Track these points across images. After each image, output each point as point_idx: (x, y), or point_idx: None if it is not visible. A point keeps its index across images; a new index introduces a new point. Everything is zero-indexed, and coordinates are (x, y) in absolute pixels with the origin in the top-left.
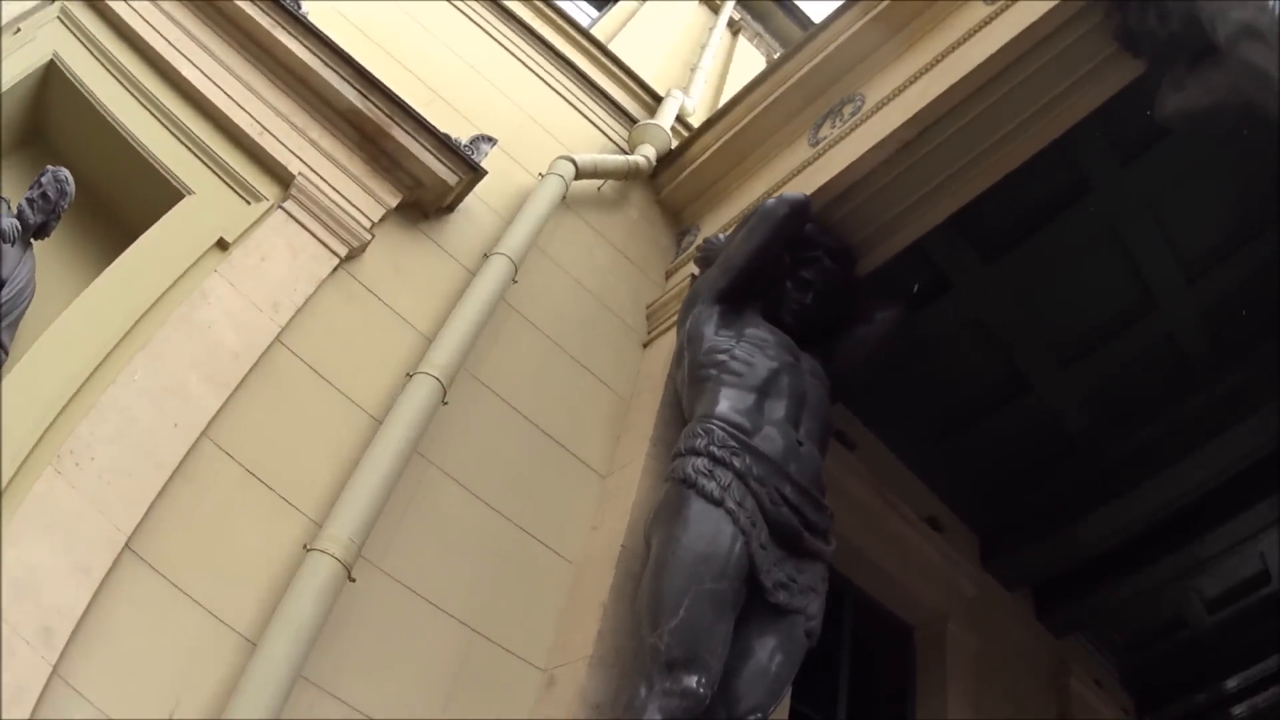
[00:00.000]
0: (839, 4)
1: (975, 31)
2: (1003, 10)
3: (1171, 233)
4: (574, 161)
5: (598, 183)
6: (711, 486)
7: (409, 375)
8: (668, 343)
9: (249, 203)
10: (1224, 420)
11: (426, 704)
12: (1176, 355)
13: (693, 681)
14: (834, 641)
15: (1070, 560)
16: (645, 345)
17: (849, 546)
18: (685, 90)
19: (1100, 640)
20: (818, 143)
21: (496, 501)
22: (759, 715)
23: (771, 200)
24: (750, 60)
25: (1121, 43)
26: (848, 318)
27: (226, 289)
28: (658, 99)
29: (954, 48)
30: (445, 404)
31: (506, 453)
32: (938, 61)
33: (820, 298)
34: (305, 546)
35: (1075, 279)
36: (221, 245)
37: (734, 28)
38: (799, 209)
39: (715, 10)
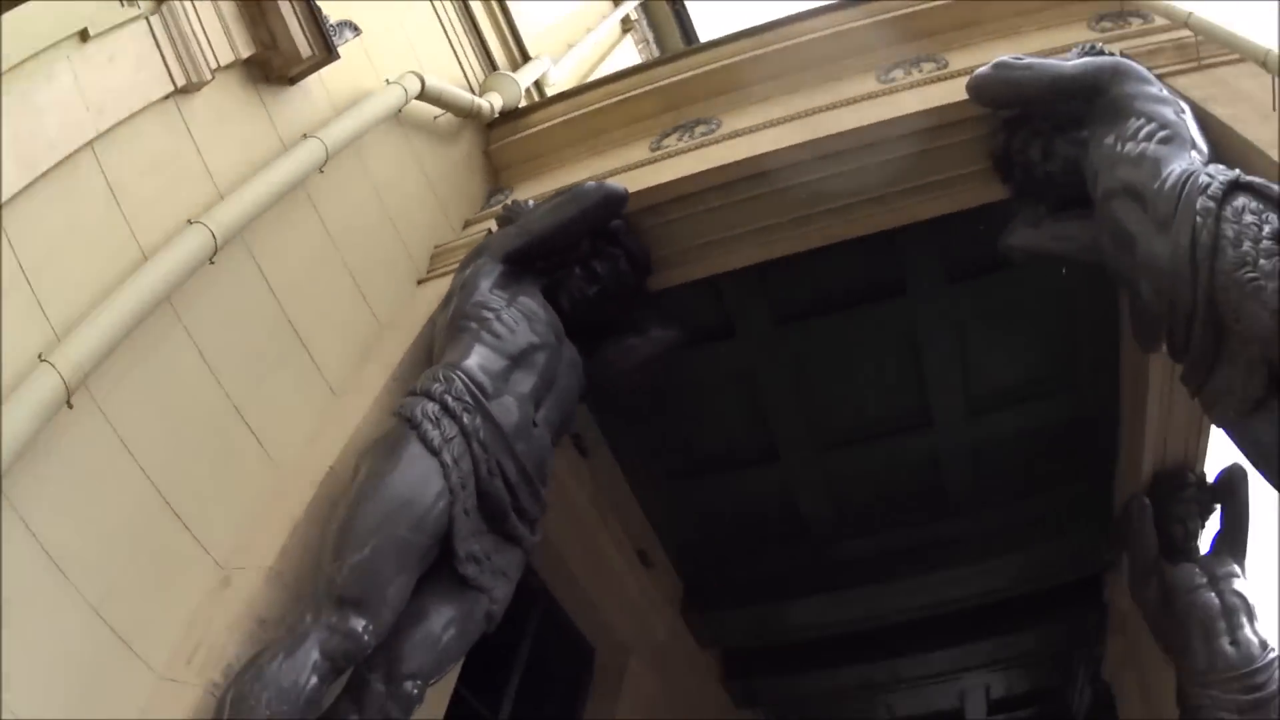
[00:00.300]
0: (731, 32)
1: (855, 101)
2: (891, 92)
3: (970, 362)
4: (422, 81)
5: (437, 112)
6: (434, 434)
7: (189, 222)
8: (443, 287)
9: (123, 4)
10: (962, 556)
11: (103, 560)
12: (936, 479)
13: (359, 625)
14: (515, 637)
15: (770, 637)
16: (420, 283)
17: (554, 550)
18: (555, 61)
19: None
20: (658, 149)
21: (228, 382)
22: (418, 683)
23: (591, 183)
24: (628, 59)
25: (995, 164)
26: (622, 325)
27: (69, 79)
28: (526, 59)
29: (827, 109)
30: (212, 263)
31: (253, 337)
32: (805, 116)
33: (604, 295)
34: (40, 356)
35: (861, 372)
36: (83, 36)
37: (626, 25)
38: (614, 200)
39: (616, 3)
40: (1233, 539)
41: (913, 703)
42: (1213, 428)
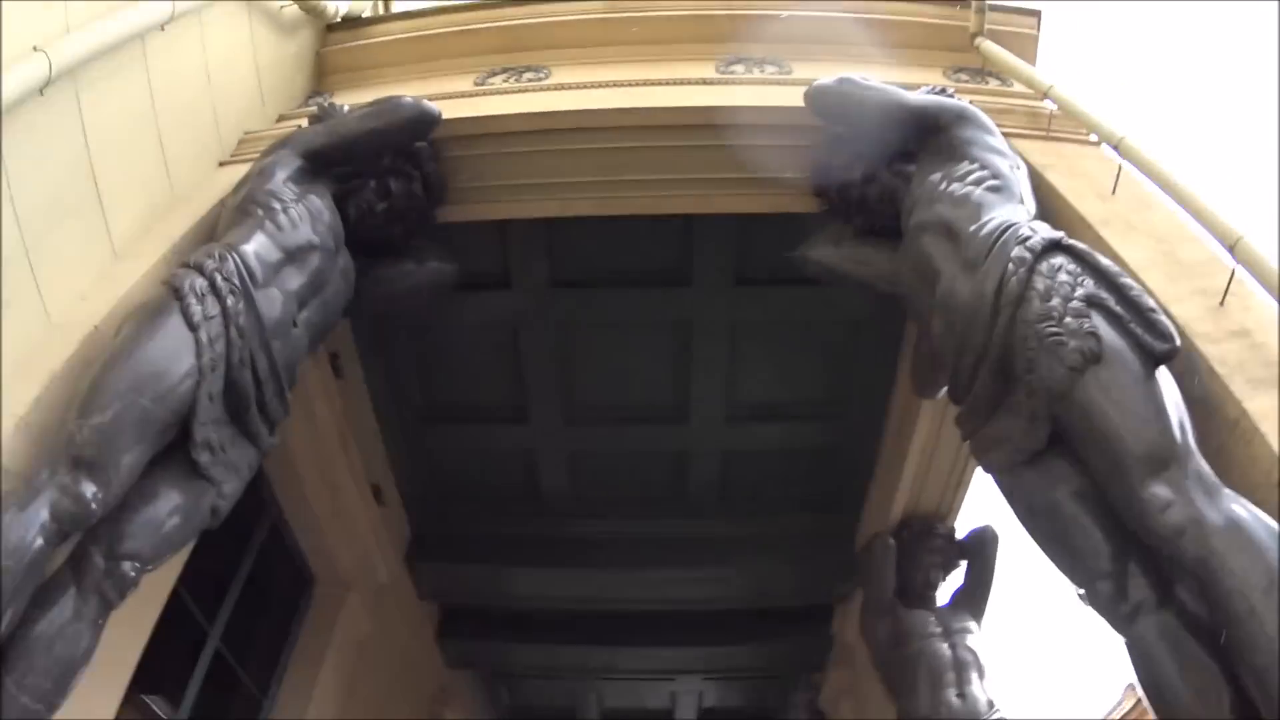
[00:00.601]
0: None
1: (688, 83)
2: (728, 83)
3: (739, 369)
4: None
5: (285, 2)
6: (195, 310)
7: (35, 49)
8: (242, 172)
9: None
10: (694, 558)
11: None
12: (682, 477)
13: (89, 490)
14: (240, 549)
15: (491, 600)
16: (222, 165)
17: (291, 468)
18: None
19: (489, 690)
20: (483, 84)
21: (24, 220)
22: (136, 565)
23: (408, 99)
24: None
25: (813, 176)
26: (402, 249)
27: None
28: None
29: (658, 84)
30: (41, 95)
31: (56, 181)
32: (634, 85)
33: (391, 213)
34: None
35: (629, 353)
36: None
37: None
38: (425, 119)
39: None
40: (973, 597)
41: (624, 696)
42: (971, 485)
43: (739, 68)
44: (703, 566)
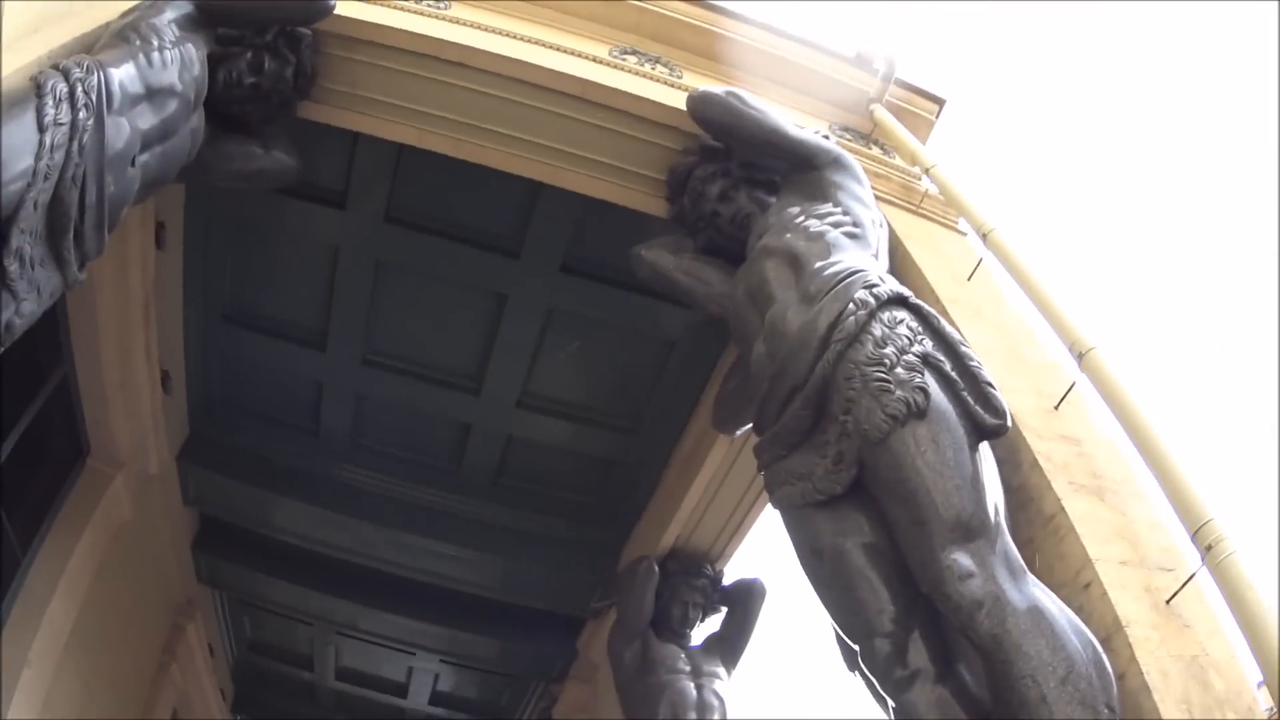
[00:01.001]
0: None
1: (579, 55)
2: (616, 68)
3: (542, 357)
4: None
5: None
6: (50, 112)
7: None
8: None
9: None
10: (457, 536)
11: None
12: (461, 450)
13: None
14: (26, 391)
15: (249, 522)
16: None
17: (91, 323)
18: None
19: (234, 617)
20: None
21: None
22: None
23: None
24: None
25: (669, 180)
26: (254, 131)
27: None
28: None
29: (551, 47)
30: None
31: None
32: (529, 41)
33: (256, 90)
34: None
35: (438, 308)
36: None
37: None
38: (318, 7)
39: None
40: (728, 646)
41: (362, 658)
42: (749, 534)
43: (631, 59)
44: (464, 546)
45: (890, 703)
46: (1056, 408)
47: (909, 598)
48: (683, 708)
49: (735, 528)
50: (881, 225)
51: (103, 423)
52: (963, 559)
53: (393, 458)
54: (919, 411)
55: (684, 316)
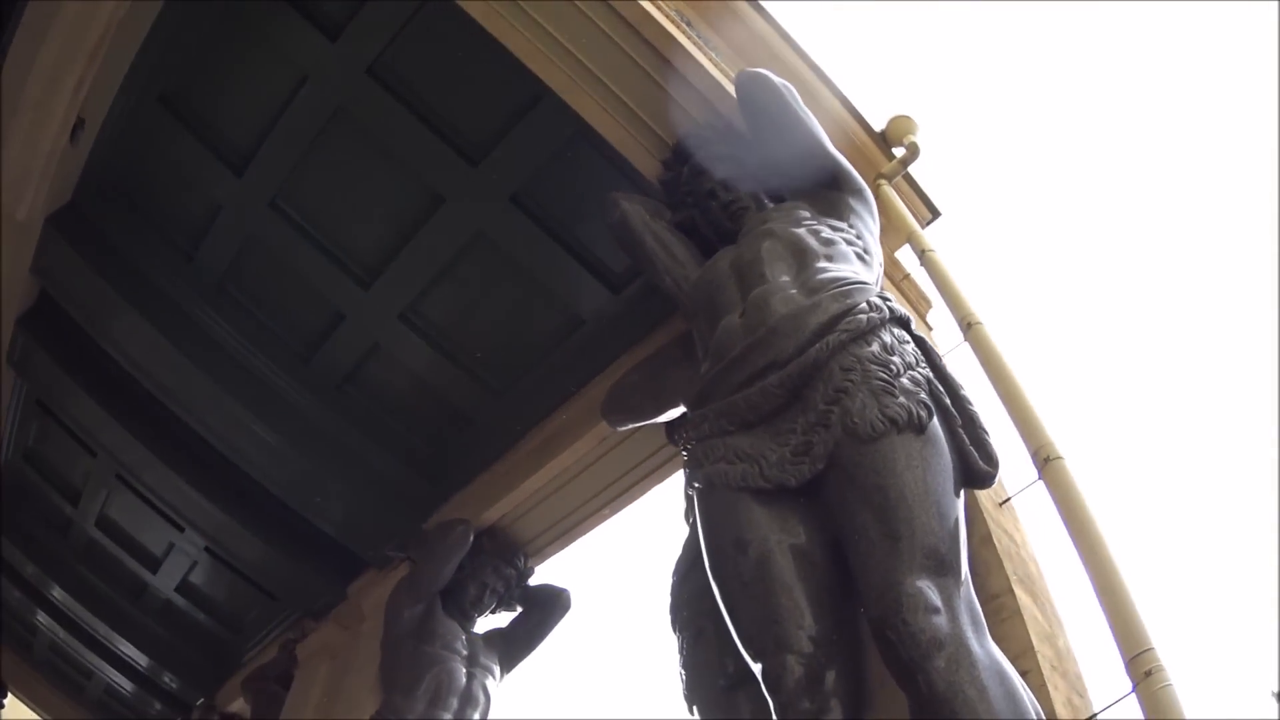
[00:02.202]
0: None
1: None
2: (677, 24)
3: (450, 274)
4: None
5: None
6: None
7: None
8: None
9: None
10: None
11: None
12: (325, 337)
13: None
14: None
15: (87, 320)
16: None
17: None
18: None
19: (24, 416)
20: None
21: None
22: None
23: None
24: None
25: (676, 148)
26: None
27: None
28: None
29: None
30: None
31: None
32: None
33: None
34: None
35: (381, 180)
36: None
37: None
38: None
39: None
40: (512, 646)
41: (128, 514)
42: (574, 546)
43: (688, 26)
44: (281, 438)
45: None
46: (1007, 501)
47: (834, 623)
48: (448, 690)
49: (564, 531)
50: (881, 268)
51: None
52: (930, 591)
53: (253, 319)
54: (919, 425)
55: (605, 301)
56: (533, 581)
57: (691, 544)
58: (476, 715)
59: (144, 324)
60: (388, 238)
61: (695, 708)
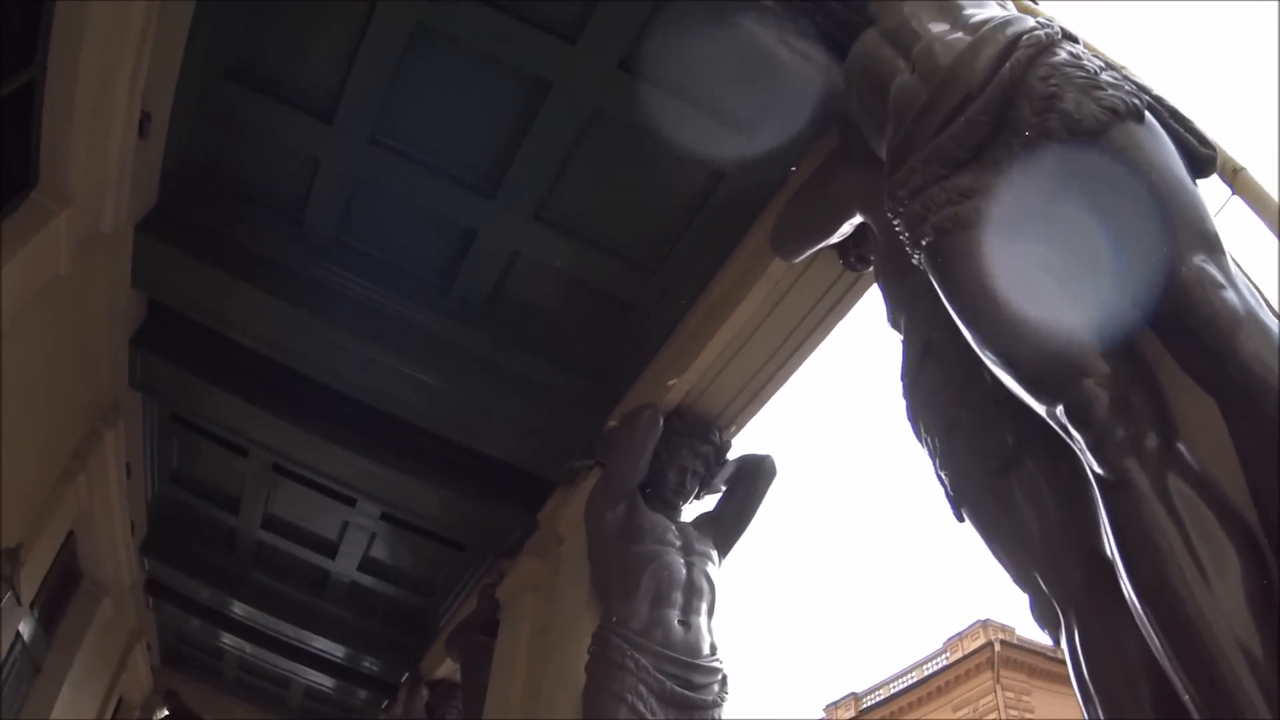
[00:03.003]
0: None
1: None
2: None
3: (574, 165)
4: None
5: None
6: None
7: None
8: None
9: None
10: (438, 360)
11: None
12: (460, 261)
13: None
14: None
15: (203, 314)
16: None
17: (77, 30)
18: None
19: (162, 438)
20: None
21: None
22: None
23: None
24: None
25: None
26: None
27: None
28: None
29: None
30: None
31: None
32: None
33: None
34: None
35: (471, 88)
36: None
37: None
38: None
39: None
40: (724, 528)
41: (294, 506)
42: (766, 407)
43: None
44: (437, 375)
45: (1103, 472)
46: None
47: (1122, 335)
48: (669, 584)
49: (753, 394)
50: None
51: (61, 150)
52: (1212, 269)
53: (379, 263)
54: (1136, 113)
55: (740, 145)
56: (731, 455)
57: (916, 335)
58: (704, 605)
59: (268, 299)
60: (500, 141)
61: (965, 510)
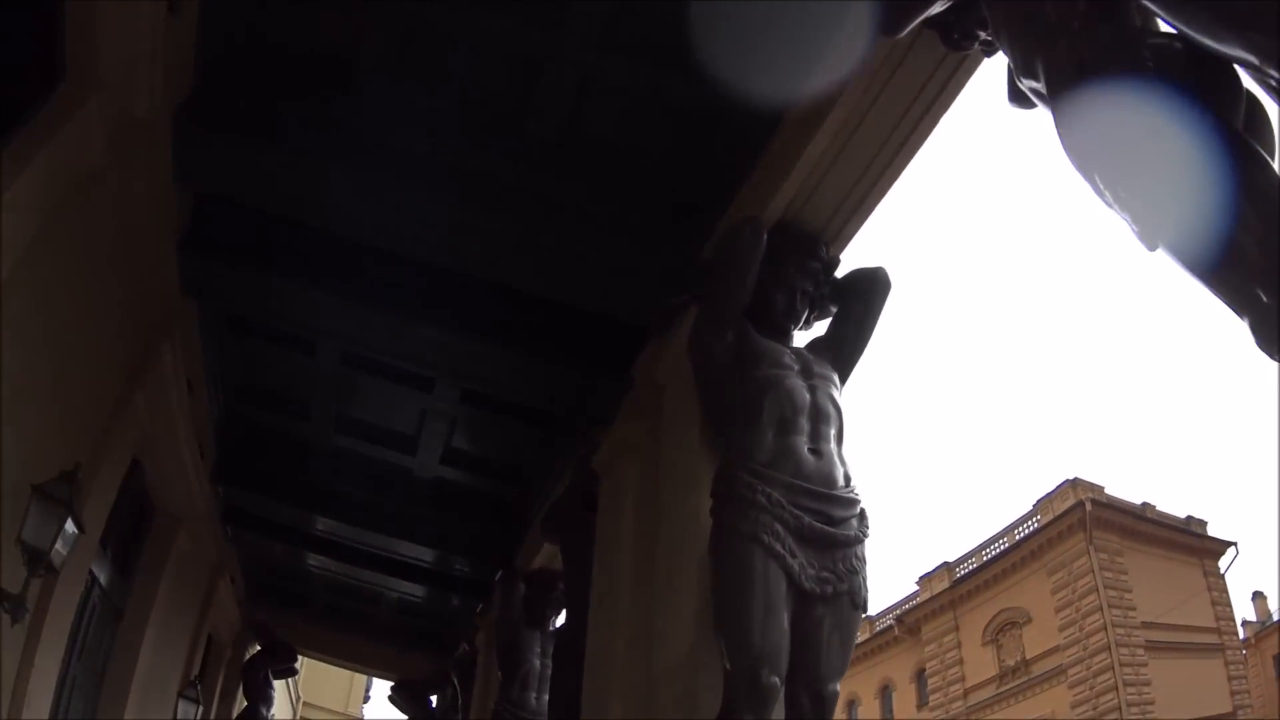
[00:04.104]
0: None
1: None
2: None
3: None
4: None
5: None
6: None
7: None
8: None
9: None
10: (512, 203)
11: None
12: (526, 101)
13: None
14: None
15: (256, 197)
16: None
17: None
18: None
19: (223, 347)
20: None
21: None
22: None
23: None
24: None
25: None
26: None
27: None
28: None
29: None
30: None
31: None
32: None
33: None
34: None
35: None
36: None
37: None
38: None
39: None
40: (842, 349)
41: (369, 401)
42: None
43: None
44: (512, 224)
45: None
46: None
47: None
48: (793, 409)
49: (859, 200)
50: None
51: (87, 34)
52: None
53: (439, 113)
54: None
55: None
56: (840, 272)
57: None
58: (833, 431)
59: (321, 166)
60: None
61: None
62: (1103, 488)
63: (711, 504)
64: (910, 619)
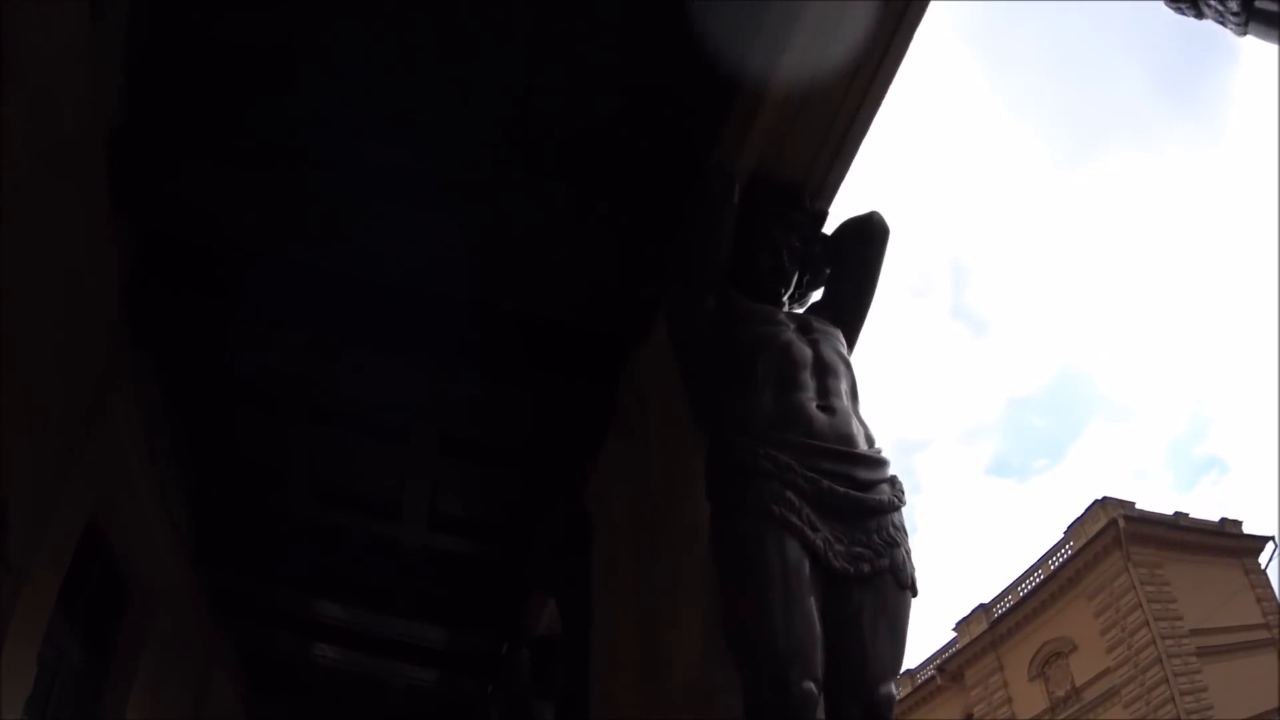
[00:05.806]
0: None
1: None
2: None
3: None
4: None
5: None
6: None
7: None
8: None
9: None
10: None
11: None
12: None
13: None
14: None
15: (206, 213)
16: None
17: None
18: None
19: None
20: None
21: None
22: None
23: None
24: None
25: None
26: None
27: None
28: None
29: None
30: None
31: None
32: None
33: None
34: None
35: None
36: None
37: None
38: None
39: None
40: (844, 306)
41: (346, 468)
42: (856, 161)
43: None
44: (464, 226)
45: None
46: None
47: None
48: (793, 364)
49: (837, 147)
50: None
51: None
52: None
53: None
54: None
55: None
56: (828, 226)
57: None
58: (844, 387)
59: (274, 179)
60: None
61: None
62: (1133, 503)
63: (706, 487)
64: (952, 666)
